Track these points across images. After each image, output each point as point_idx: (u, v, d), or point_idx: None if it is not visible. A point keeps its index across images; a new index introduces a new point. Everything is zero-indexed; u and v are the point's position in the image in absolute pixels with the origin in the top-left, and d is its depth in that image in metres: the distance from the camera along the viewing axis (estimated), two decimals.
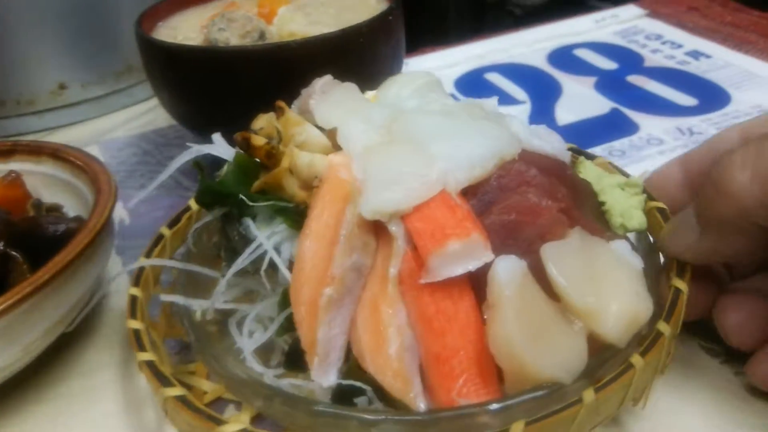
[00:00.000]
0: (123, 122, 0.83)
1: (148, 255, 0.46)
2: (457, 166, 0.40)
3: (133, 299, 0.43)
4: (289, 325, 0.42)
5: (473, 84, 0.86)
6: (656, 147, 0.67)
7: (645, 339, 0.37)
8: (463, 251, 0.36)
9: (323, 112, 0.44)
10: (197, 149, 0.45)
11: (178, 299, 0.44)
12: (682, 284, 0.40)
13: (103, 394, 0.47)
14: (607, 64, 0.85)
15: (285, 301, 0.43)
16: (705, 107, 0.73)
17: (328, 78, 0.47)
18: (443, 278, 0.36)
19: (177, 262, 0.47)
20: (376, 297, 0.38)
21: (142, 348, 0.40)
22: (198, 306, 0.44)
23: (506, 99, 0.81)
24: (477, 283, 0.38)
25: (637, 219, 0.46)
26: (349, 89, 0.46)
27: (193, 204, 0.50)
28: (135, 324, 0.41)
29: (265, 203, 0.41)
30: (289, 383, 0.39)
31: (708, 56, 0.84)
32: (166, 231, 0.49)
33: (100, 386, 0.47)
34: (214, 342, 0.44)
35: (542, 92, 0.81)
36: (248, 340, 0.43)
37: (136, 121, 0.83)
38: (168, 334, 0.48)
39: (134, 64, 0.85)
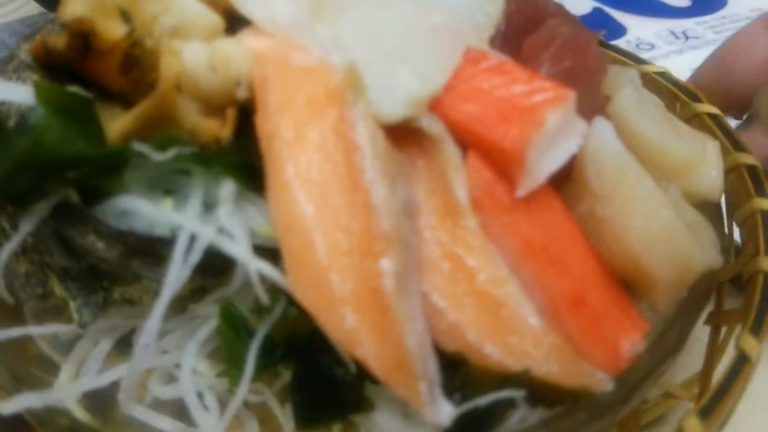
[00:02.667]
0: None
1: None
2: (464, 7, 0.25)
3: None
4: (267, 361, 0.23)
5: None
6: (647, 52, 0.57)
7: None
8: (563, 127, 0.22)
9: None
10: None
11: (32, 401, 0.21)
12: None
13: None
14: None
15: (233, 325, 0.24)
16: (699, 9, 0.64)
17: None
18: (545, 178, 0.23)
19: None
20: (449, 246, 0.22)
21: None
22: (74, 393, 0.22)
23: None
24: None
25: None
26: None
27: None
28: None
29: (171, 154, 0.20)
30: None
31: None
32: None
33: None
34: None
35: None
36: (206, 414, 0.23)
37: (4, 8, 0.67)
38: None
39: None
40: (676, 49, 0.59)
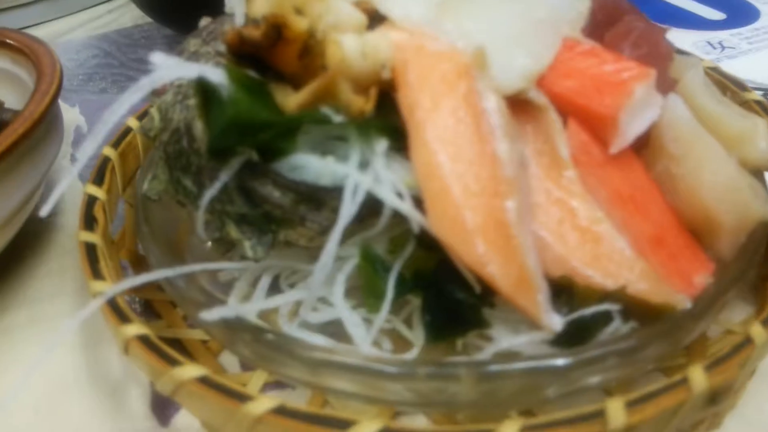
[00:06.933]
0: (84, 22, 0.75)
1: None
2: (560, 5, 0.30)
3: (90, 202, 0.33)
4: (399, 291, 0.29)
5: None
6: None
7: None
8: (646, 98, 0.28)
9: None
10: (152, 80, 0.26)
11: (227, 312, 0.27)
12: None
13: (54, 328, 0.38)
14: None
15: (371, 263, 0.29)
16: (734, 21, 0.69)
17: None
18: (633, 139, 0.28)
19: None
20: (554, 192, 0.27)
21: (97, 274, 0.30)
22: (253, 309, 0.28)
23: None
24: None
25: None
26: None
27: (133, 124, 0.37)
28: (89, 237, 0.31)
29: (341, 118, 0.26)
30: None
31: None
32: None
33: (50, 318, 0.39)
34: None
35: None
36: (358, 328, 0.28)
37: (98, 21, 0.76)
38: None
39: None
40: (714, 58, 0.63)
